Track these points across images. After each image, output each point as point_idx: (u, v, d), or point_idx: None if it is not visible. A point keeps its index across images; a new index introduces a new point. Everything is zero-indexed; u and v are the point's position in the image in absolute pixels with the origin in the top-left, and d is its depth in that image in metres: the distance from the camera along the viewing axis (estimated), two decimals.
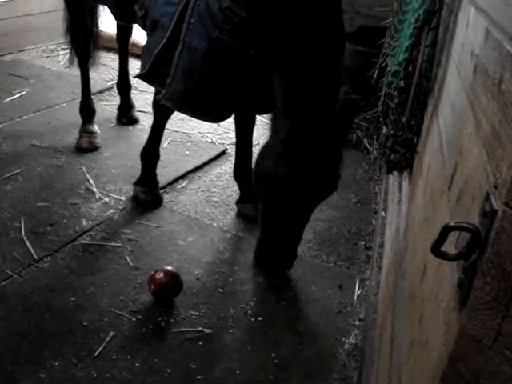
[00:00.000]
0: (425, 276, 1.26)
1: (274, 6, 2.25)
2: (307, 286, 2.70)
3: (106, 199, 3.17)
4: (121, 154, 3.68)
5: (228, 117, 2.80)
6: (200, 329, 2.35)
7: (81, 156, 3.61)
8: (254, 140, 3.19)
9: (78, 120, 3.77)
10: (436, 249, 0.84)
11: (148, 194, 3.16)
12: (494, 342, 0.75)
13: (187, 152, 3.82)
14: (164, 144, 3.70)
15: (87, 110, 3.77)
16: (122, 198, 3.20)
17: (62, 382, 2.04)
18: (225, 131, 4.17)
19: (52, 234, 2.82)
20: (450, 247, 0.89)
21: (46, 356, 2.14)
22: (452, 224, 0.82)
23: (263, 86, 2.55)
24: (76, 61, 3.78)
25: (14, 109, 4.16)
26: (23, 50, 5.46)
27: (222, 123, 3.83)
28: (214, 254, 2.84)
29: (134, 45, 4.76)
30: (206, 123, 3.76)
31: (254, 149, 3.11)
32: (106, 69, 5.07)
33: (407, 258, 1.70)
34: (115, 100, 4.41)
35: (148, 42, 2.76)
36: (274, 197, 2.44)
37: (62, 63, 5.21)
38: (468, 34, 1.45)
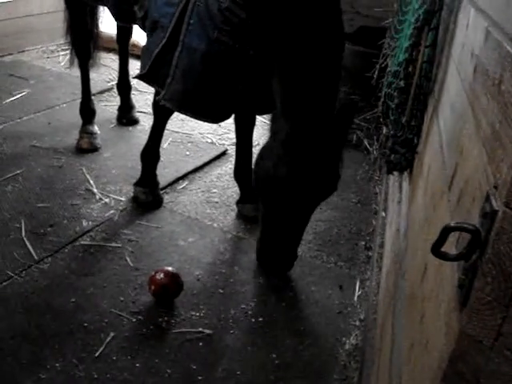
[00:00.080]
0: (425, 276, 1.26)
1: (273, 7, 2.25)
2: (307, 286, 2.70)
3: (107, 200, 3.17)
4: (121, 155, 3.68)
5: (228, 117, 2.80)
6: (200, 329, 2.35)
7: (81, 157, 3.61)
8: (254, 140, 3.19)
9: (79, 121, 3.77)
10: (436, 249, 0.84)
11: (148, 195, 3.16)
12: (494, 342, 0.75)
13: (187, 153, 3.82)
14: (164, 145, 3.70)
15: (87, 111, 3.77)
16: (123, 199, 3.20)
17: (62, 383, 2.04)
18: (225, 132, 4.17)
19: (52, 235, 2.82)
20: (450, 248, 0.89)
21: (46, 357, 2.14)
22: (452, 224, 0.82)
23: (263, 86, 2.55)
24: (76, 61, 3.78)
25: (14, 109, 4.16)
26: (23, 51, 5.46)
27: (223, 124, 3.83)
28: (215, 255, 2.84)
29: (134, 45, 4.76)
30: (206, 124, 3.76)
31: (254, 149, 3.11)
32: (106, 69, 5.07)
33: (407, 259, 1.70)
34: (115, 101, 4.42)
35: (148, 42, 2.76)
36: (273, 197, 2.44)
37: (63, 64, 5.21)
38: (468, 34, 1.45)
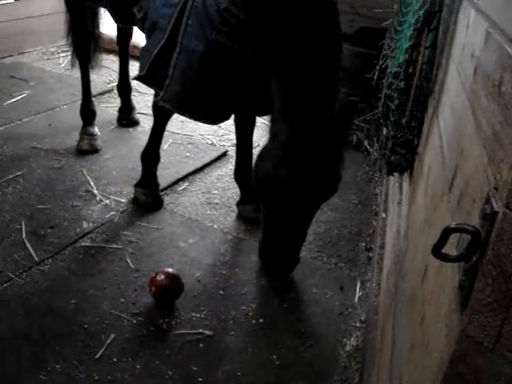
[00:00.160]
0: (426, 277, 1.26)
1: (271, 8, 2.25)
2: (308, 287, 2.70)
3: (107, 201, 3.17)
4: (121, 156, 3.68)
5: (227, 119, 2.80)
6: (201, 331, 2.35)
7: (81, 158, 3.61)
8: (254, 142, 3.19)
9: (79, 122, 3.77)
10: (437, 250, 0.84)
11: (148, 196, 3.16)
12: (495, 343, 0.75)
13: (188, 154, 3.82)
14: (164, 146, 3.70)
15: (88, 112, 3.77)
16: (123, 200, 3.20)
17: None
18: (225, 133, 4.17)
19: (53, 236, 2.82)
20: (450, 249, 0.89)
21: (47, 358, 2.14)
22: (453, 226, 0.82)
23: (262, 87, 2.54)
24: (77, 63, 3.78)
25: (14, 111, 4.16)
26: (24, 53, 5.46)
27: (223, 125, 3.83)
28: (215, 256, 2.84)
29: (135, 47, 4.77)
30: (206, 125, 3.76)
31: (254, 150, 3.11)
32: (106, 71, 5.08)
33: (408, 260, 1.70)
34: (116, 102, 4.42)
35: (147, 43, 2.76)
36: (274, 199, 2.43)
37: (63, 65, 5.22)
38: (468, 35, 1.46)
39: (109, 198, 3.21)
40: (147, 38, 2.78)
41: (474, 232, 0.78)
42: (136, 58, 4.62)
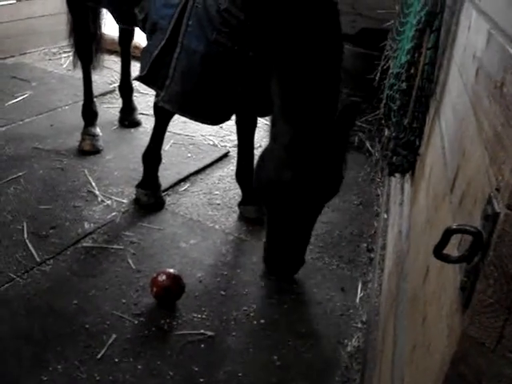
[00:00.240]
0: (427, 278, 1.26)
1: (271, 8, 2.25)
2: (309, 288, 2.70)
3: (108, 202, 3.17)
4: (123, 157, 3.69)
5: (227, 119, 2.80)
6: (202, 331, 2.35)
7: (83, 159, 3.61)
8: (255, 142, 3.19)
9: (81, 123, 3.77)
10: (438, 251, 0.84)
11: (150, 197, 3.16)
12: (496, 344, 0.75)
13: (189, 154, 3.82)
14: (166, 146, 3.70)
15: (89, 113, 3.78)
16: (124, 201, 3.20)
17: None
18: (227, 134, 4.18)
19: (54, 237, 2.82)
20: (452, 250, 0.89)
21: (48, 359, 2.14)
22: (454, 227, 0.82)
23: (262, 88, 2.54)
24: (79, 64, 3.79)
25: (16, 112, 4.17)
26: (25, 53, 5.47)
27: (224, 126, 3.83)
28: (217, 257, 2.84)
29: (136, 48, 4.77)
30: (207, 126, 3.77)
31: (255, 151, 3.11)
32: (108, 71, 5.08)
33: (409, 261, 1.70)
34: (117, 103, 4.42)
35: (147, 44, 2.77)
36: (276, 200, 2.43)
37: (65, 66, 5.23)
38: (470, 36, 1.46)
39: (110, 198, 3.21)
40: (148, 38, 2.78)
41: (475, 233, 0.78)
42: (138, 59, 4.63)
